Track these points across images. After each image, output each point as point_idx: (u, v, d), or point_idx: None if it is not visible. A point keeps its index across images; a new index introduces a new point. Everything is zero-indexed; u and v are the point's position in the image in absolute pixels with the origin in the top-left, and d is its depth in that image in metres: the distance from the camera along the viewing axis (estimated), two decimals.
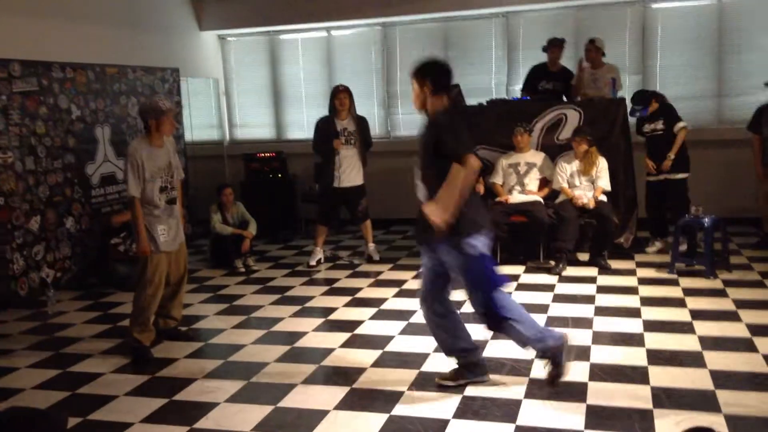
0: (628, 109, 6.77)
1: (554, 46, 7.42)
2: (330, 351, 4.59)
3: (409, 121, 9.11)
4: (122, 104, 7.34)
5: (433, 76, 3.71)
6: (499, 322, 3.74)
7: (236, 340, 4.91)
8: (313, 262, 7.05)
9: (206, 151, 9.43)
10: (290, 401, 3.85)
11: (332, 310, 5.53)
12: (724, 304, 5.17)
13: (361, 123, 6.99)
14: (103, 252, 6.62)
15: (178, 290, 4.96)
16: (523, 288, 5.87)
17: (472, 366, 3.93)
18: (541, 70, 7.62)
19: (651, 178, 6.71)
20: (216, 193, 7.26)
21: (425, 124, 3.78)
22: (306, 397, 3.89)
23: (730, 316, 4.89)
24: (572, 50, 7.94)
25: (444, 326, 3.91)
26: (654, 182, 6.72)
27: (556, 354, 3.72)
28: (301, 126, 9.50)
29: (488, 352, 4.39)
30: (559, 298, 5.51)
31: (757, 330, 4.57)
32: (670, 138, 6.53)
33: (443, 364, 4.24)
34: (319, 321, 5.26)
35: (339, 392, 3.92)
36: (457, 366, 3.96)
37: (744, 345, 4.34)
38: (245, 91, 9.82)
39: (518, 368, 4.12)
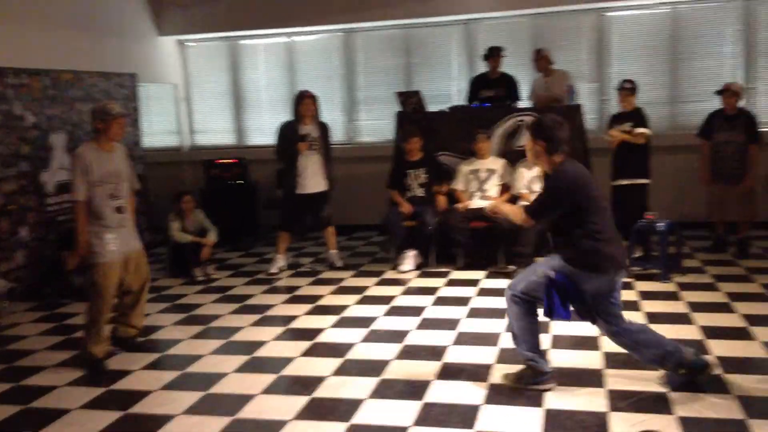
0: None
1: (494, 54, 7.58)
2: (290, 360, 4.56)
3: (371, 127, 9.14)
4: (78, 111, 7.21)
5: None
6: None
7: (194, 350, 4.85)
8: (274, 270, 7.00)
9: (165, 157, 9.32)
10: (249, 412, 3.82)
11: (293, 318, 5.50)
12: (678, 307, 5.27)
13: (325, 129, 6.97)
14: (58, 262, 6.49)
15: (140, 298, 4.90)
16: (484, 293, 5.92)
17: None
18: (481, 79, 7.78)
19: (617, 182, 6.82)
20: (175, 200, 7.18)
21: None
22: (265, 408, 3.86)
23: (684, 319, 4.99)
24: (530, 57, 8.07)
25: (639, 343, 3.85)
26: (618, 186, 6.84)
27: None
28: (263, 132, 9.45)
29: (448, 358, 4.42)
30: None
31: (710, 332, 4.68)
32: (634, 144, 6.67)
33: (404, 370, 4.26)
34: (279, 330, 5.23)
35: (299, 402, 3.90)
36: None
37: (697, 347, 4.40)
38: (205, 97, 9.74)
39: (477, 373, 4.15)
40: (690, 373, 3.83)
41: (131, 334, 4.93)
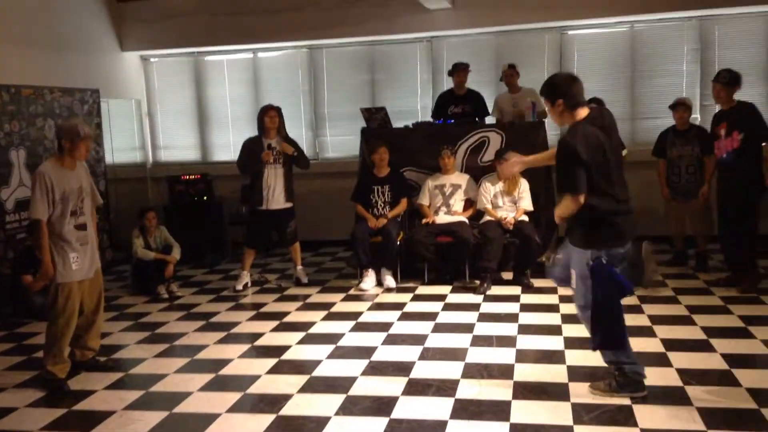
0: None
1: (459, 70, 7.62)
2: (256, 378, 4.52)
3: (337, 143, 9.15)
4: (38, 126, 7.09)
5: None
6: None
7: (158, 369, 4.78)
8: (239, 287, 6.95)
9: (128, 173, 9.21)
10: (214, 431, 3.77)
11: (259, 335, 5.46)
12: (640, 320, 5.36)
13: (291, 143, 6.94)
14: (17, 282, 6.34)
15: (95, 320, 4.80)
16: (450, 308, 5.95)
17: (628, 382, 3.91)
18: (448, 95, 7.82)
19: None
20: (138, 217, 7.09)
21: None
22: (230, 427, 3.82)
23: (645, 332, 5.07)
24: (493, 74, 8.22)
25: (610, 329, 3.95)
26: None
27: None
28: (228, 148, 9.41)
29: (414, 374, 4.43)
30: (484, 317, 5.60)
31: (671, 345, 4.76)
32: None
33: (371, 387, 4.26)
34: (245, 347, 5.18)
35: (265, 420, 3.86)
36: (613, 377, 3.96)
37: (658, 360, 4.51)
38: (169, 113, 9.66)
39: (444, 388, 4.16)
40: (624, 382, 3.90)
41: (88, 356, 4.82)
